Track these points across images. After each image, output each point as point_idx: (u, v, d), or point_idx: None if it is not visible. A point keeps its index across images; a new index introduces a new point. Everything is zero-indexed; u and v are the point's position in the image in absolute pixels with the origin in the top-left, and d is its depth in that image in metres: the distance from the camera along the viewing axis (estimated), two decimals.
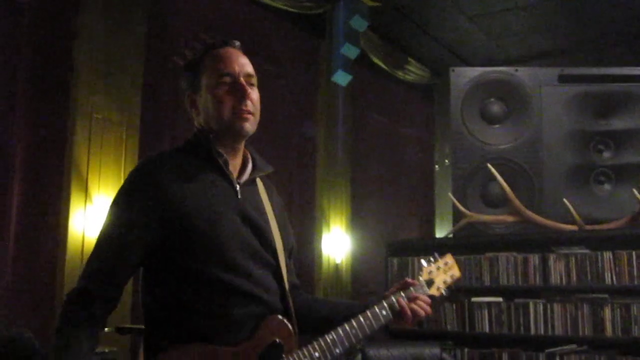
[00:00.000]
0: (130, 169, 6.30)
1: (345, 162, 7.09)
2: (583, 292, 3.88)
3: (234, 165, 1.76)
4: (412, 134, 7.83)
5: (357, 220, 6.95)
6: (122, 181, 6.14)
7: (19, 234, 5.11)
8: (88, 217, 5.40)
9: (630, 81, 4.19)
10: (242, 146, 1.78)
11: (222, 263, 1.60)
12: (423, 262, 1.92)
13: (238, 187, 1.72)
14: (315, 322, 1.81)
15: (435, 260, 1.93)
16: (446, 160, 4.40)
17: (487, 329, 4.08)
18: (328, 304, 1.91)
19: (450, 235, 4.39)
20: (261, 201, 1.79)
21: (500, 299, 4.07)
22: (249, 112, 1.70)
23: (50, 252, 5.28)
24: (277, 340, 1.62)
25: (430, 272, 1.90)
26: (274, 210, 1.81)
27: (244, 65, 1.75)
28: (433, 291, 1.88)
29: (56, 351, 1.51)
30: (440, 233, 4.50)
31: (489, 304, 4.08)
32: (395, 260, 4.35)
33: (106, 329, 5.17)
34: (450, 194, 4.22)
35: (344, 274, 6.81)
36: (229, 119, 1.69)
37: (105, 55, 5.45)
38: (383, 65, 7.32)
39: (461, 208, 4.11)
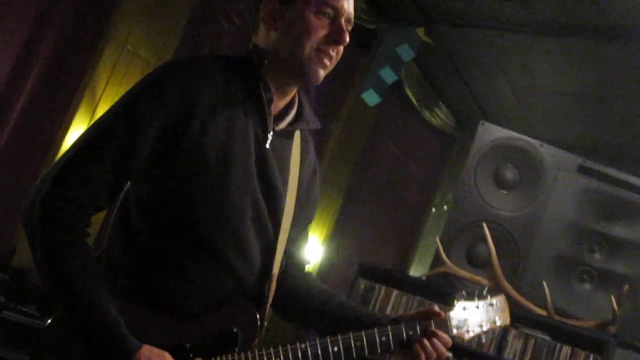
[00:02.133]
0: None
1: (345, 176, 7.10)
2: None
3: (277, 106, 1.49)
4: (419, 172, 7.87)
5: (336, 235, 6.96)
6: None
7: (14, 132, 5.10)
8: None
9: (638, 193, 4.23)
10: (295, 89, 1.52)
11: (214, 215, 1.36)
12: (464, 292, 1.55)
13: (271, 134, 1.45)
14: (304, 311, 1.55)
15: (480, 296, 1.55)
16: (445, 207, 4.40)
17: None
18: (333, 300, 1.58)
19: (424, 278, 4.40)
20: (290, 159, 1.51)
21: (449, 354, 4.07)
22: (331, 60, 1.47)
23: (38, 160, 5.26)
24: (235, 329, 1.35)
25: (464, 308, 1.52)
26: (301, 174, 1.54)
27: (351, 6, 1.51)
28: (460, 333, 1.50)
29: (56, 262, 1.28)
30: (413, 272, 4.51)
31: None
32: (363, 283, 4.35)
33: None
34: (437, 238, 4.23)
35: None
36: (308, 56, 1.42)
37: None
38: (414, 100, 7.36)
39: (443, 256, 4.12)
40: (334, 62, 1.48)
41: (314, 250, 6.77)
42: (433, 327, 1.46)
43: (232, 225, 1.38)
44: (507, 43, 6.24)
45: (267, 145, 1.44)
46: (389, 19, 6.36)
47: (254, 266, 1.42)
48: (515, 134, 4.32)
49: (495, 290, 1.57)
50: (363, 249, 7.18)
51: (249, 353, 1.34)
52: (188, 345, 1.30)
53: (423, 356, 1.43)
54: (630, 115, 6.43)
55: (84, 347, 1.24)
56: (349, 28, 1.49)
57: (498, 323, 1.56)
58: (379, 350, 1.41)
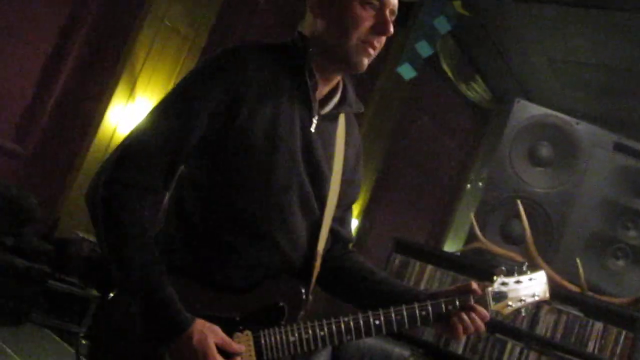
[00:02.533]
0: None
1: (381, 148, 7.13)
2: (563, 351, 3.93)
3: (321, 91, 1.54)
4: (454, 147, 7.86)
5: (371, 209, 7.02)
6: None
7: (57, 106, 5.24)
8: (126, 113, 5.51)
9: None
10: (339, 75, 1.57)
11: (262, 196, 1.43)
12: (503, 268, 1.58)
13: (316, 118, 1.51)
14: (348, 287, 1.62)
15: (520, 272, 1.58)
16: (480, 183, 4.42)
17: (460, 351, 4.14)
18: (374, 277, 1.62)
19: (458, 254, 4.44)
20: (335, 142, 1.56)
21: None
22: (375, 50, 1.51)
23: (80, 133, 5.41)
24: (281, 303, 1.42)
25: (504, 284, 1.55)
26: (346, 155, 1.59)
27: None
28: (499, 307, 1.54)
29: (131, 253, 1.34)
30: (448, 248, 4.55)
31: None
32: (398, 258, 4.42)
33: None
34: (472, 215, 4.27)
35: None
36: (354, 47, 1.47)
37: None
38: (450, 74, 7.33)
39: (478, 232, 4.16)
40: (378, 50, 1.52)
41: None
42: (472, 302, 1.50)
43: (279, 206, 1.44)
44: (544, 15, 6.16)
45: (313, 129, 1.50)
46: None
47: (300, 244, 1.49)
48: (550, 112, 4.30)
49: (534, 266, 1.63)
50: (398, 224, 7.24)
51: (294, 326, 1.41)
52: (237, 318, 1.38)
53: (460, 329, 1.49)
54: None
55: (140, 321, 1.32)
56: (393, 18, 1.52)
57: (538, 297, 1.60)
58: (418, 323, 1.47)
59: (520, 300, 1.56)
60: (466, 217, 4.37)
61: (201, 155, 1.44)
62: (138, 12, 5.45)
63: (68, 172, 5.36)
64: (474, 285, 1.53)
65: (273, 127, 1.43)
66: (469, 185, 4.62)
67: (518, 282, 1.56)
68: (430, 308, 1.47)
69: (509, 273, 1.57)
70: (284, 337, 1.39)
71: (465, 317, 1.48)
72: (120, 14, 5.45)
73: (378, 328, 1.44)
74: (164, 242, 1.44)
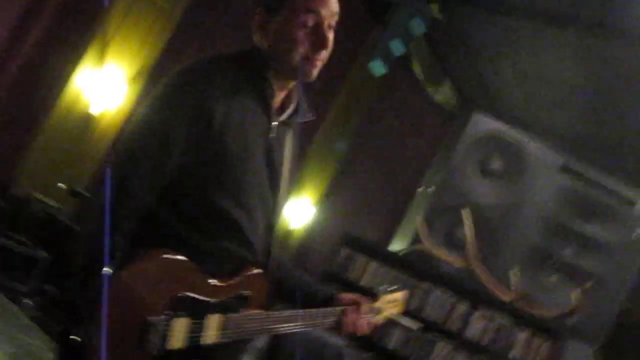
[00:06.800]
0: (152, 54, 6.35)
1: (346, 141, 7.20)
2: (488, 354, 4.13)
3: (277, 99, 1.62)
4: (417, 148, 7.96)
5: (328, 199, 7.12)
6: (139, 63, 6.21)
7: (24, 65, 5.22)
8: (93, 78, 5.50)
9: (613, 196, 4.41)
10: (293, 83, 1.64)
11: (235, 197, 1.52)
12: (384, 287, 1.94)
13: (274, 124, 1.60)
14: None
15: (392, 292, 1.96)
16: (431, 188, 4.57)
17: (391, 346, 4.31)
18: (294, 273, 1.82)
19: (402, 253, 4.59)
20: (286, 147, 1.67)
21: (415, 327, 4.29)
22: (322, 59, 1.56)
23: (45, 94, 5.39)
24: (247, 293, 1.57)
25: (385, 302, 1.92)
26: (291, 159, 1.70)
27: (333, 5, 1.57)
28: (375, 319, 1.89)
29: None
30: (394, 246, 4.71)
31: (403, 326, 4.30)
32: (344, 252, 4.55)
33: (61, 185, 5.28)
34: (419, 218, 4.42)
35: (292, 241, 6.97)
36: (298, 64, 1.54)
37: None
38: (419, 74, 7.43)
39: (423, 234, 4.32)
40: (326, 57, 1.58)
41: (304, 211, 6.94)
42: (362, 313, 1.79)
43: (247, 205, 1.55)
44: (516, 28, 6.29)
45: (272, 135, 1.59)
46: None
47: (261, 239, 1.61)
48: (505, 127, 4.47)
49: (400, 287, 2.00)
50: (352, 216, 7.34)
51: (256, 314, 1.58)
52: (212, 301, 1.50)
53: (350, 331, 1.77)
54: (624, 113, 6.53)
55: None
56: (336, 19, 1.57)
57: (395, 314, 1.99)
58: (327, 326, 1.76)
59: (386, 317, 1.94)
60: (414, 219, 4.51)
61: (180, 165, 1.51)
62: None
63: (29, 132, 5.35)
64: (366, 301, 1.82)
65: (242, 135, 1.52)
66: (420, 189, 4.77)
67: (390, 302, 1.95)
68: (336, 316, 1.76)
69: (386, 293, 1.93)
70: (245, 321, 1.55)
71: (357, 321, 1.77)
72: None
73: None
74: (153, 219, 1.50)
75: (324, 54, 1.57)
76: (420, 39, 6.94)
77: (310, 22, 1.53)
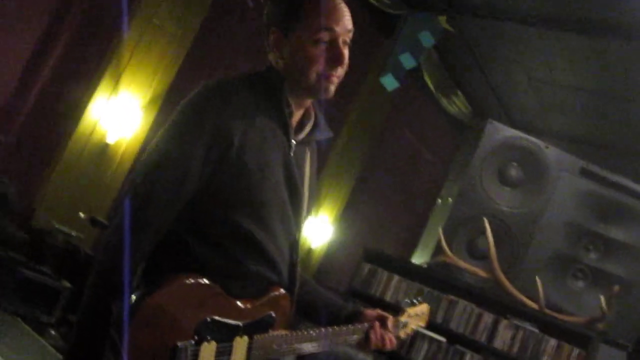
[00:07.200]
0: (166, 80, 6.45)
1: (360, 157, 7.22)
2: None
3: (295, 117, 1.64)
4: (432, 161, 7.96)
5: (346, 216, 7.11)
6: (153, 89, 6.28)
7: (41, 96, 5.29)
8: (108, 107, 5.56)
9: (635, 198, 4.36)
10: (310, 101, 1.67)
11: (257, 217, 1.53)
12: (407, 300, 1.97)
13: (293, 143, 1.61)
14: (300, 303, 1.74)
15: (414, 305, 1.97)
16: (449, 199, 4.55)
17: None
18: (318, 291, 1.84)
19: (425, 266, 4.56)
20: (306, 164, 1.68)
21: (443, 339, 4.25)
22: (338, 76, 1.59)
23: (62, 125, 5.45)
24: (273, 314, 1.58)
25: (410, 316, 1.93)
26: (311, 176, 1.71)
27: (347, 22, 1.59)
28: (401, 333, 1.91)
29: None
30: (416, 259, 4.68)
31: (431, 339, 4.26)
32: (367, 267, 4.53)
33: (82, 214, 5.33)
34: (440, 229, 4.39)
35: (313, 260, 6.96)
36: (315, 81, 1.56)
37: None
38: (431, 87, 7.44)
39: (444, 246, 4.29)
40: (342, 74, 1.60)
41: (323, 229, 6.93)
42: (388, 328, 1.81)
43: (271, 226, 1.56)
44: (527, 36, 6.29)
45: (291, 154, 1.61)
46: (412, 6, 6.43)
47: (285, 259, 1.62)
48: (521, 134, 4.45)
49: (423, 299, 2.04)
50: (371, 232, 7.33)
51: (280, 334, 1.59)
52: (239, 324, 1.51)
53: (378, 345, 1.79)
54: (638, 115, 6.50)
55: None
56: (350, 36, 1.59)
57: (421, 326, 2.03)
58: (353, 343, 1.77)
59: (412, 329, 1.97)
60: (435, 231, 4.49)
61: (201, 188, 1.52)
62: (127, 9, 5.49)
63: (48, 164, 5.40)
64: (392, 317, 1.84)
65: (262, 154, 1.53)
66: (439, 200, 4.75)
67: (415, 315, 1.97)
68: (362, 333, 1.77)
69: (410, 305, 1.96)
70: (272, 342, 1.57)
71: (383, 336, 1.79)
72: (109, 10, 5.50)
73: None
74: (177, 242, 1.51)
75: (340, 71, 1.59)
76: (430, 51, 6.96)
77: (326, 40, 1.55)
